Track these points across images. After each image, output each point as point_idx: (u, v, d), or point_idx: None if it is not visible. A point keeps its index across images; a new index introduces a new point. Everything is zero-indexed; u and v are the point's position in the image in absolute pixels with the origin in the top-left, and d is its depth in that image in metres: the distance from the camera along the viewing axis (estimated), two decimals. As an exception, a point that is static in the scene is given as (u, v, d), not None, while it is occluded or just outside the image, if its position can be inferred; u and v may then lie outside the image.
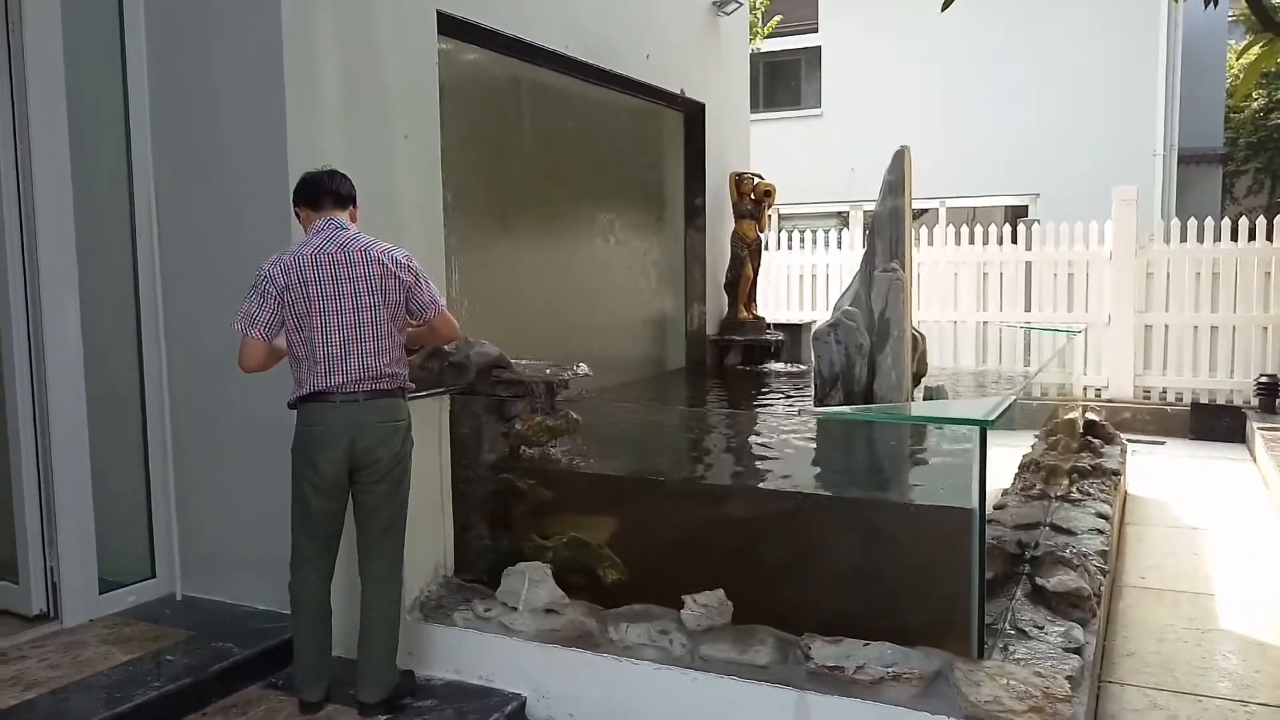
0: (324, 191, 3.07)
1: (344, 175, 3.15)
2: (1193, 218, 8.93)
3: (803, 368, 7.18)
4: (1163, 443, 8.45)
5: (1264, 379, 8.39)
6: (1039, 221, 9.79)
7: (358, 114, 3.87)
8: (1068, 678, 2.80)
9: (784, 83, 14.70)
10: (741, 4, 7.59)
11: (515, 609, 3.35)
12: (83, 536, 3.57)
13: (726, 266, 7.45)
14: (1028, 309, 9.40)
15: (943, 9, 2.97)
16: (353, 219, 3.14)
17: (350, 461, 2.99)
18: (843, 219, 13.73)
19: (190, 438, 3.85)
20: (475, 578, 3.68)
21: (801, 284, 10.55)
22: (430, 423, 3.57)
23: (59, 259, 3.50)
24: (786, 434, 4.85)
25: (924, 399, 5.13)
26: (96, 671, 3.16)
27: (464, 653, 3.37)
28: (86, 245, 3.61)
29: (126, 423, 3.84)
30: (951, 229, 9.78)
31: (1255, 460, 7.49)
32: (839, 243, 10.46)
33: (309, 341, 2.95)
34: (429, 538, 3.61)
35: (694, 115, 7.22)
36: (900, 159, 4.84)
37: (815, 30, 13.99)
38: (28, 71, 3.41)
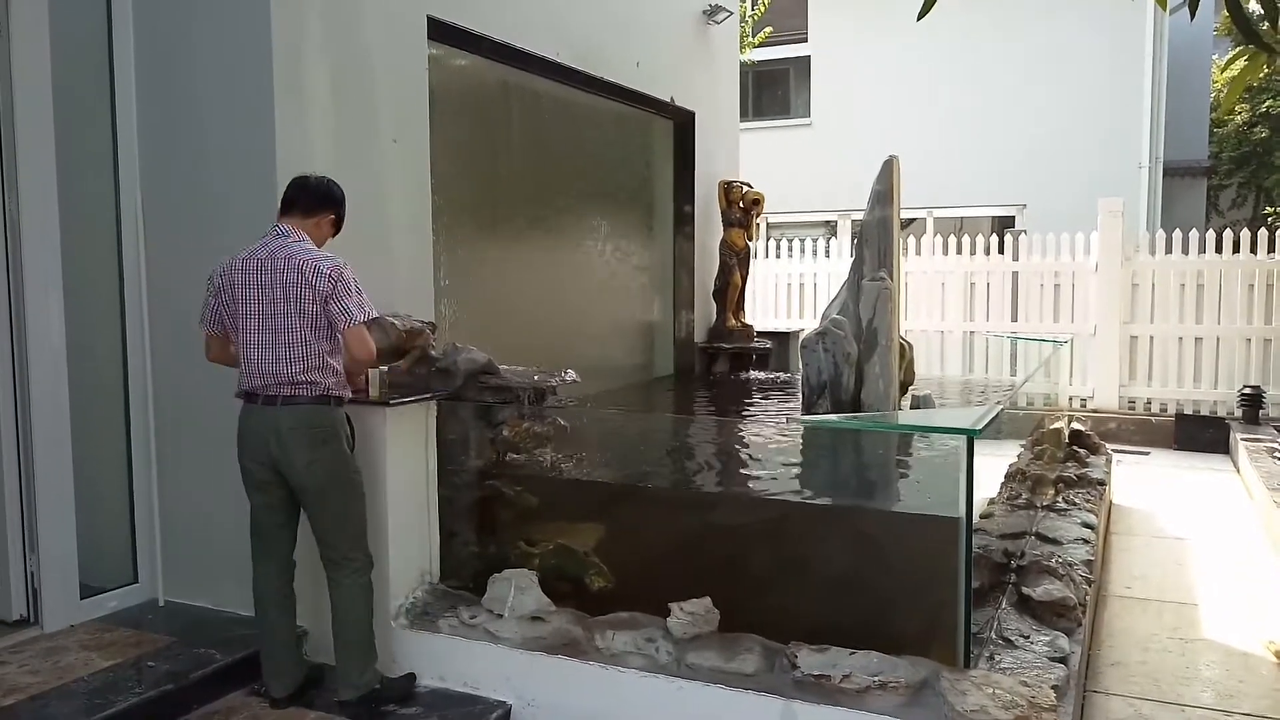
0: (289, 199, 3.11)
1: (322, 184, 3.13)
2: (1178, 229, 9.00)
3: (785, 376, 7.18)
4: (1147, 453, 8.49)
5: (1247, 390, 8.44)
6: (1026, 232, 9.86)
7: (347, 119, 3.86)
8: (1053, 687, 2.81)
9: (773, 92, 14.76)
10: (731, 13, 7.62)
11: (501, 616, 3.33)
12: (64, 541, 3.54)
13: (715, 274, 7.47)
14: (1014, 319, 9.45)
15: (919, 17, 2.97)
16: (319, 228, 3.11)
17: (274, 464, 3.02)
18: (831, 228, 13.79)
19: (174, 442, 3.83)
20: (461, 585, 3.65)
21: (790, 292, 10.58)
22: (416, 429, 3.55)
23: (43, 262, 3.48)
24: (774, 442, 4.85)
25: (911, 408, 5.14)
26: (77, 677, 3.13)
27: (449, 660, 3.35)
28: (72, 248, 3.59)
29: (109, 426, 3.81)
30: (939, 239, 9.83)
31: (1239, 471, 7.54)
32: (827, 251, 10.50)
33: (239, 343, 3.04)
34: (415, 544, 3.58)
35: (683, 123, 7.24)
36: (889, 169, 4.87)
37: (805, 40, 14.05)
38: (15, 77, 3.38)
